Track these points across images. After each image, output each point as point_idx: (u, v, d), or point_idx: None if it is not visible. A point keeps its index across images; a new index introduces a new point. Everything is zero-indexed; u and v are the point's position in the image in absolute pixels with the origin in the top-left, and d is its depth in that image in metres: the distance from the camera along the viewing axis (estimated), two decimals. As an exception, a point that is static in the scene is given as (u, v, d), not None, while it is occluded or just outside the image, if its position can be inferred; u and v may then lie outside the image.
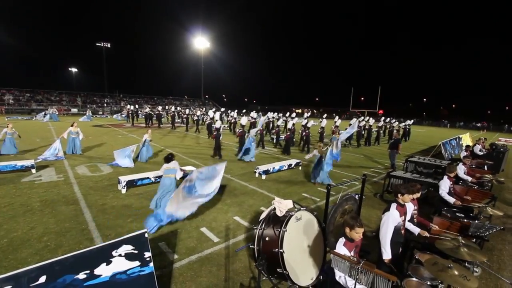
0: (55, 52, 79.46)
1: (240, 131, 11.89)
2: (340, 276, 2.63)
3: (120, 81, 70.89)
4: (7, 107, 36.94)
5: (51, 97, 45.64)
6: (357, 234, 2.62)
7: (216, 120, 13.20)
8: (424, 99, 78.38)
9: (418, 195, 3.74)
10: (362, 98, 66.86)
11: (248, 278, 3.64)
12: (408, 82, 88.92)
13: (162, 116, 26.87)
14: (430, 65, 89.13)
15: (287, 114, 24.37)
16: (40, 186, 6.95)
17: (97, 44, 53.57)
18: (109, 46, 54.35)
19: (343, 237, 2.74)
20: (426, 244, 3.55)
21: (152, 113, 26.48)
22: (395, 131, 15.07)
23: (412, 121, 25.21)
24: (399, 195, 3.25)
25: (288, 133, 13.49)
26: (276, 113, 25.60)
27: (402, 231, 3.33)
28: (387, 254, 3.04)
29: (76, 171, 8.45)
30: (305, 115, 22.28)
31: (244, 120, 13.81)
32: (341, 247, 2.68)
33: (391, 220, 3.10)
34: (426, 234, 3.56)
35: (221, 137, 11.30)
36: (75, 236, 4.52)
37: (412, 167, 8.71)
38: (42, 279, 2.07)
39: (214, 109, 32.22)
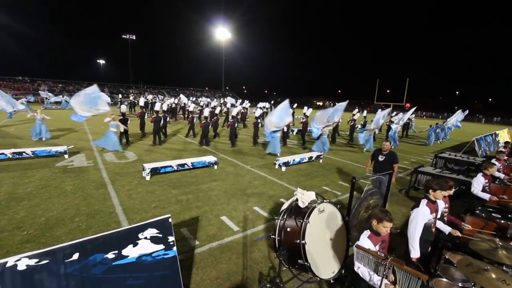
0: (85, 45, 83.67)
1: (204, 122, 12.23)
2: (358, 267, 2.54)
3: (144, 73, 73.35)
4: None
5: (81, 88, 48.10)
6: (385, 228, 2.49)
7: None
8: (457, 92, 73.24)
9: (451, 192, 3.51)
10: (388, 91, 63.84)
11: (267, 268, 3.66)
12: (439, 73, 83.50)
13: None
14: (463, 55, 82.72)
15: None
16: (72, 170, 7.40)
17: (123, 36, 55.33)
18: (134, 38, 56.00)
19: (368, 230, 2.63)
20: (457, 244, 3.34)
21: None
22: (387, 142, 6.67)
23: (413, 112, 17.45)
24: (430, 191, 3.06)
25: (204, 122, 12.48)
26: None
27: (433, 229, 3.15)
28: (415, 253, 2.90)
29: (104, 158, 8.89)
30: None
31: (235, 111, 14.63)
32: (365, 239, 2.57)
33: (420, 216, 2.94)
34: (458, 233, 3.34)
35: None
36: (103, 218, 4.78)
37: (442, 164, 8.22)
38: (75, 256, 2.20)
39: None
